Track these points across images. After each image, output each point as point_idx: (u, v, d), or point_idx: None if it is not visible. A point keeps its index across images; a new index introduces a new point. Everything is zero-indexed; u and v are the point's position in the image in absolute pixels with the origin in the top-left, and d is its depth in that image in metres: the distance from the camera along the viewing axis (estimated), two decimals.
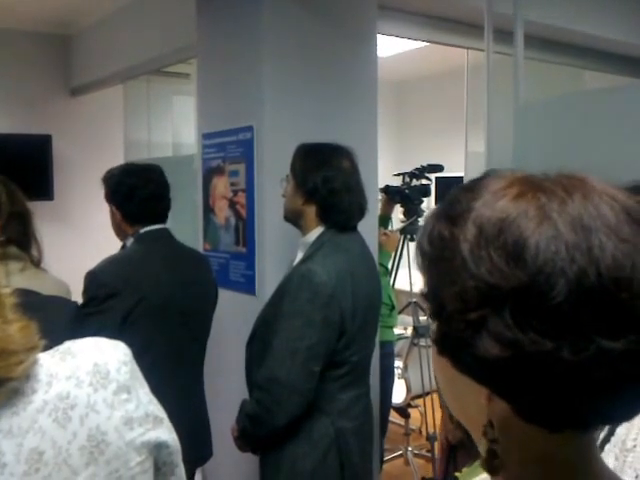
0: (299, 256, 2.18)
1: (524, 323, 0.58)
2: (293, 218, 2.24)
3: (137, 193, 2.31)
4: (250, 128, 2.91)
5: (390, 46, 4.93)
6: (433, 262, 0.67)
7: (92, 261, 2.26)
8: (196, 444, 2.37)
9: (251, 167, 2.92)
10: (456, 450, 2.60)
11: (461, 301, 0.61)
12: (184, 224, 3.48)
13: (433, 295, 0.67)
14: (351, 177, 2.17)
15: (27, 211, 2.10)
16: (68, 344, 0.94)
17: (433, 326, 0.67)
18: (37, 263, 2.07)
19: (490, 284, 0.59)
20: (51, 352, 0.92)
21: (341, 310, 2.01)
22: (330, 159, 2.16)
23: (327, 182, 2.11)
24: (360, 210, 2.20)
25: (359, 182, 2.21)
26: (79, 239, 5.17)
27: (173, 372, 2.23)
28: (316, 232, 2.15)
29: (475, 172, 0.82)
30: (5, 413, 0.84)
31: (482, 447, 0.67)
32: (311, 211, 2.16)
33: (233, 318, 2.97)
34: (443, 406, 2.84)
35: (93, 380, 0.90)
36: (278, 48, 2.88)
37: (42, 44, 5.25)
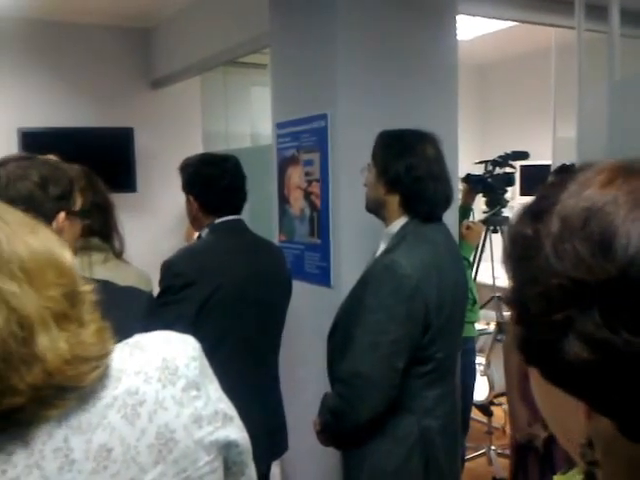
0: (381, 247, 2.11)
1: (615, 322, 0.52)
2: (375, 208, 2.16)
3: (215, 184, 2.29)
4: (324, 116, 2.84)
5: (471, 28, 4.74)
6: (516, 263, 0.61)
7: (173, 251, 2.28)
8: (271, 437, 2.34)
9: (325, 156, 2.85)
10: (527, 451, 2.48)
11: (545, 301, 0.56)
12: (262, 215, 3.46)
13: (516, 298, 0.61)
14: (436, 165, 2.08)
15: (109, 203, 2.12)
16: (137, 337, 0.93)
17: (518, 333, 0.61)
18: (119, 254, 2.08)
19: (575, 280, 0.54)
20: (121, 346, 0.91)
21: (426, 304, 1.93)
22: (414, 146, 2.07)
23: (410, 170, 2.02)
24: (446, 199, 2.11)
25: (444, 170, 2.11)
26: (162, 230, 5.25)
27: (248, 363, 2.23)
28: (399, 222, 2.07)
29: (564, 159, 0.72)
30: (74, 409, 0.82)
31: (579, 469, 0.60)
32: (394, 201, 2.08)
33: (308, 310, 2.92)
34: (509, 402, 2.71)
35: (162, 376, 0.88)
36: (353, 33, 2.80)
37: (123, 38, 5.33)
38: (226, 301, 2.17)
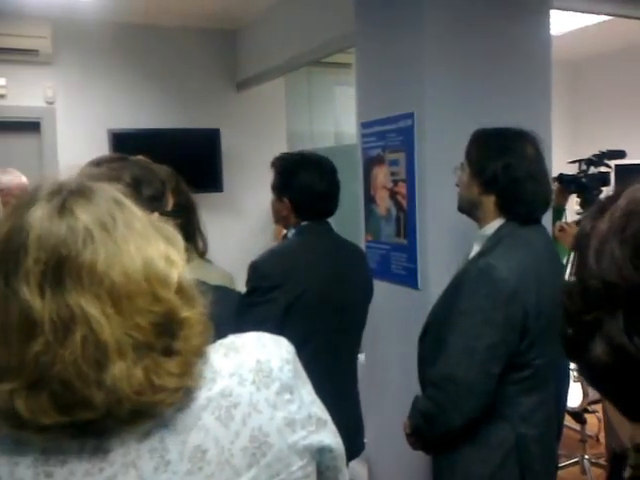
0: (475, 249, 2.04)
1: (633, 328, 0.51)
2: (468, 209, 2.10)
3: (313, 189, 2.28)
4: (410, 115, 2.78)
5: (564, 22, 4.57)
6: (575, 258, 0.61)
7: (259, 251, 2.28)
8: (349, 438, 2.31)
9: (411, 156, 2.80)
10: (624, 461, 2.35)
11: (581, 301, 0.56)
12: (347, 214, 3.44)
13: (569, 296, 0.60)
14: (535, 165, 2.00)
15: (192, 202, 2.13)
16: (232, 338, 0.93)
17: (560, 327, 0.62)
18: (202, 254, 2.09)
19: (608, 282, 0.53)
20: (215, 346, 0.91)
21: (524, 309, 1.86)
22: (512, 145, 2.00)
23: (508, 170, 1.95)
24: (545, 201, 2.03)
25: (544, 170, 2.04)
26: (247, 229, 5.31)
27: (329, 365, 2.22)
28: (495, 224, 2.01)
29: None
30: (170, 409, 0.82)
31: (626, 473, 0.60)
32: (489, 201, 2.01)
33: (395, 311, 2.88)
34: (604, 410, 2.59)
35: (256, 378, 0.88)
36: (441, 30, 2.73)
37: (209, 40, 5.42)
38: (311, 303, 2.16)
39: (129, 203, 0.88)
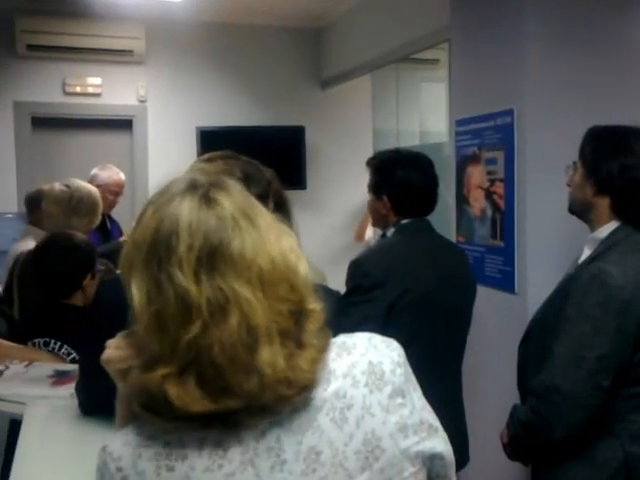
0: (586, 253, 1.95)
1: None
2: (580, 211, 2.01)
3: (412, 184, 2.24)
4: (510, 112, 2.70)
5: None
6: None
7: (342, 249, 2.25)
8: (454, 447, 2.25)
9: (511, 154, 2.71)
10: None
11: None
12: (434, 216, 3.37)
13: None
14: None
15: (287, 202, 2.13)
16: (342, 338, 0.92)
17: None
18: None
19: None
20: None
21: (639, 320, 1.75)
22: (630, 144, 1.90)
23: (625, 171, 1.85)
24: None
25: None
26: (330, 227, 5.31)
27: (434, 369, 2.14)
28: (609, 227, 1.91)
29: None
30: (287, 408, 0.83)
31: None
32: (603, 203, 1.91)
33: (490, 316, 2.80)
34: None
35: (369, 380, 0.87)
36: (543, 22, 2.64)
37: (295, 39, 5.45)
38: (414, 304, 2.11)
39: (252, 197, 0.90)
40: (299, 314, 0.83)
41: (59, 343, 2.22)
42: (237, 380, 0.77)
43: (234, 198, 0.85)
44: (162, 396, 0.77)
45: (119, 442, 0.83)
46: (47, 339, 2.23)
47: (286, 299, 0.82)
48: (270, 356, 0.79)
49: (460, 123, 3.09)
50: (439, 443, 0.92)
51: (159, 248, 0.80)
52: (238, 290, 0.78)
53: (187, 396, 0.77)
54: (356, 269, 2.14)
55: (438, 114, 5.20)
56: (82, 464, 0.93)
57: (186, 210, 0.81)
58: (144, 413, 0.80)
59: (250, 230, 0.82)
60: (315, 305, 0.86)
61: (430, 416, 0.93)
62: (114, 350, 0.91)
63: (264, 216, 0.86)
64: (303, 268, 0.86)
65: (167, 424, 0.79)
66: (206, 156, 1.57)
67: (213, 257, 0.79)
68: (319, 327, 0.85)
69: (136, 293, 0.80)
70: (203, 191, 0.83)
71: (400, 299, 2.08)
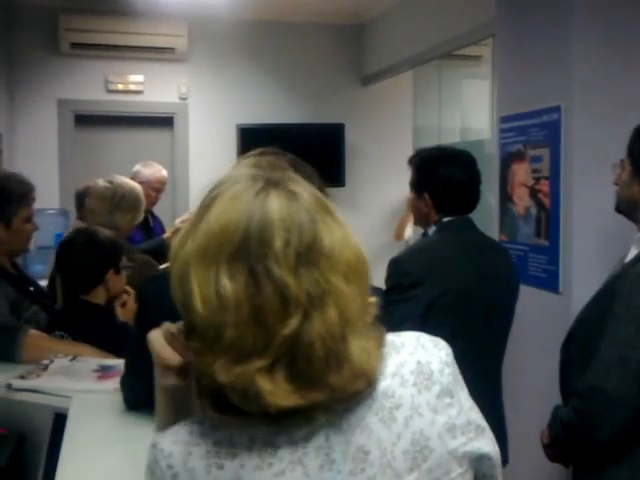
0: (632, 252, 1.91)
1: None
2: (628, 209, 1.96)
3: (453, 182, 2.20)
4: (557, 109, 2.65)
5: None
6: None
7: (380, 247, 2.23)
8: None
9: (557, 152, 2.66)
10: None
11: None
12: (476, 214, 3.33)
13: None
14: None
15: (327, 195, 2.11)
16: (390, 337, 0.91)
17: None
18: None
19: None
20: None
21: None
22: None
23: None
24: None
25: None
26: (369, 225, 5.28)
27: (475, 370, 2.10)
28: None
29: None
30: (339, 408, 0.82)
31: None
32: None
33: (533, 316, 2.76)
34: None
35: (417, 380, 0.87)
36: (592, 16, 2.59)
37: (335, 36, 5.43)
38: (454, 303, 2.08)
39: None
40: (369, 307, 0.85)
41: (70, 338, 2.27)
42: (327, 373, 0.78)
43: (311, 192, 0.85)
44: (253, 390, 0.76)
45: (169, 439, 0.84)
46: (63, 333, 2.28)
47: (366, 292, 0.84)
48: (358, 348, 0.80)
49: (505, 120, 3.04)
50: (486, 444, 0.91)
51: (251, 242, 0.78)
52: (334, 283, 0.79)
53: (277, 390, 0.77)
54: (395, 267, 2.12)
55: (480, 111, 5.14)
56: (127, 458, 0.93)
57: (275, 204, 0.80)
58: (209, 409, 0.80)
59: (334, 224, 0.83)
60: (372, 300, 0.86)
61: (477, 416, 0.92)
62: (167, 345, 0.88)
63: (336, 210, 0.87)
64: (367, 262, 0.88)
65: (239, 420, 0.79)
66: (257, 151, 1.56)
67: (308, 250, 0.79)
68: (378, 322, 0.86)
69: (228, 286, 0.77)
70: (285, 185, 0.83)
71: (440, 298, 2.05)
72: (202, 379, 0.80)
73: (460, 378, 0.93)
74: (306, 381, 0.78)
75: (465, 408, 0.90)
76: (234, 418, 0.79)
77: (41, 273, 2.82)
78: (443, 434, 0.86)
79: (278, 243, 0.78)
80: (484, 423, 0.93)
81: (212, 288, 0.78)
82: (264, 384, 0.76)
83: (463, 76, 5.60)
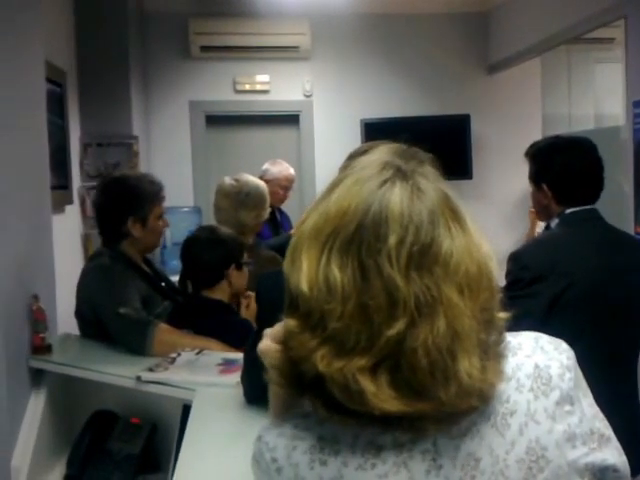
0: None
1: None
2: None
3: (570, 170, 2.11)
4: None
5: None
6: None
7: (511, 242, 2.18)
8: (627, 454, 2.10)
9: None
10: None
11: None
12: (610, 205, 3.16)
13: None
14: None
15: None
16: (507, 337, 0.85)
17: None
18: None
19: None
20: None
21: None
22: None
23: None
24: None
25: None
26: (498, 218, 5.15)
27: (603, 371, 2.00)
28: None
29: None
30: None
31: None
32: None
33: None
34: None
35: (534, 385, 0.83)
36: None
37: (459, 25, 5.32)
38: (579, 299, 1.98)
39: None
40: (489, 322, 0.79)
41: (192, 332, 2.35)
42: (435, 386, 0.74)
43: (441, 191, 0.80)
44: (355, 388, 0.73)
45: (274, 433, 0.83)
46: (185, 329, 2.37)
47: (485, 308, 0.77)
48: (469, 365, 0.74)
49: (637, 104, 2.88)
50: (612, 454, 0.86)
51: (365, 233, 0.75)
52: (447, 292, 0.74)
53: (381, 394, 0.73)
54: (515, 262, 2.05)
55: (614, 96, 4.87)
56: (243, 450, 0.96)
57: (397, 198, 0.76)
58: (319, 406, 0.78)
59: (459, 230, 0.78)
60: (503, 315, 0.81)
61: (602, 425, 0.87)
62: (272, 341, 0.85)
63: (467, 214, 0.81)
64: (495, 276, 0.81)
65: (347, 419, 0.77)
66: (370, 143, 1.56)
67: (424, 253, 0.74)
68: (502, 337, 0.81)
69: (337, 275, 0.75)
70: (413, 179, 0.79)
71: (564, 293, 1.97)
72: (302, 364, 0.77)
73: (583, 384, 0.88)
74: (412, 391, 0.74)
75: (587, 416, 0.85)
76: (341, 416, 0.77)
77: (177, 268, 2.95)
78: (562, 444, 0.81)
79: (393, 240, 0.74)
80: (609, 432, 0.87)
81: (321, 273, 0.76)
82: (367, 384, 0.73)
83: (595, 60, 5.33)
